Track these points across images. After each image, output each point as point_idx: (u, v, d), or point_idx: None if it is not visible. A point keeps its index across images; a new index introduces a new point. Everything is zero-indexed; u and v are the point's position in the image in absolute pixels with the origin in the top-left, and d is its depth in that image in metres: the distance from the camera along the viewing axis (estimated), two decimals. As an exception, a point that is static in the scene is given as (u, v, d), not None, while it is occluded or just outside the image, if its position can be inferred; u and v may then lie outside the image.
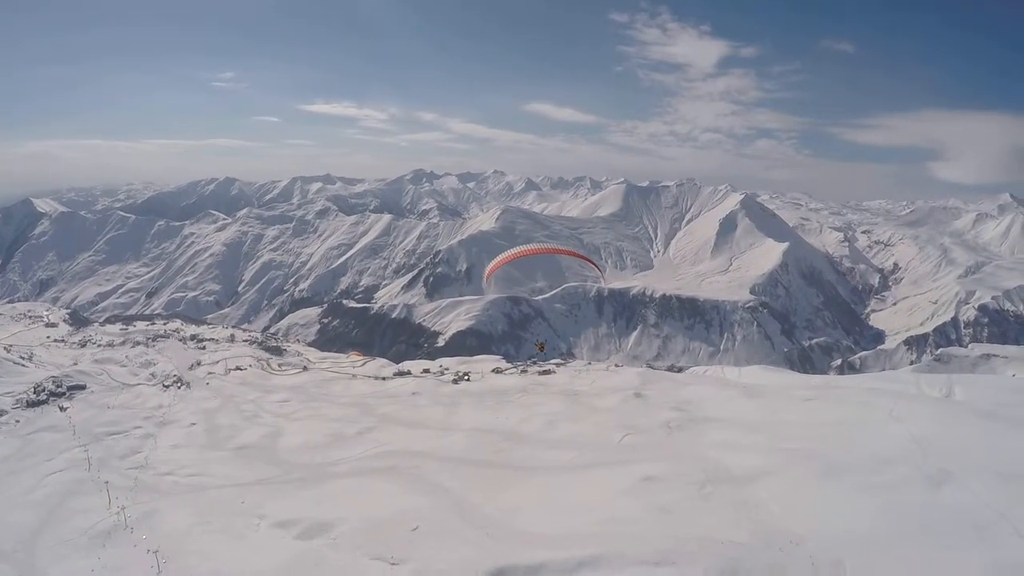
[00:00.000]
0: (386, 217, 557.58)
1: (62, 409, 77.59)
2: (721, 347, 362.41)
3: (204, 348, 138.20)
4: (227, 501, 40.91)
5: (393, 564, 27.88)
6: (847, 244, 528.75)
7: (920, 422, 36.40)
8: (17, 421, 72.76)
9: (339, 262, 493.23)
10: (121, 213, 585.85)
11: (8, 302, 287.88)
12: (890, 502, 26.58)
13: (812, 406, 44.64)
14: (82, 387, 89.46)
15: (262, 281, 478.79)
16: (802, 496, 28.04)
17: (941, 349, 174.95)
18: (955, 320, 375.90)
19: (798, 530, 25.06)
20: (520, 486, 34.17)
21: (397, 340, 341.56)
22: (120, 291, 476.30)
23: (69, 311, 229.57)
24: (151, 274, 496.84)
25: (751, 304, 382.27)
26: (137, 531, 38.09)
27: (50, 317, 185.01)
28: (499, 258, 50.82)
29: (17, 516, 43.62)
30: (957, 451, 31.45)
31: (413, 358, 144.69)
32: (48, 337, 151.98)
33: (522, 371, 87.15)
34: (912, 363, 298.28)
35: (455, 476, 37.35)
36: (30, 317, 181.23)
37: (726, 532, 25.49)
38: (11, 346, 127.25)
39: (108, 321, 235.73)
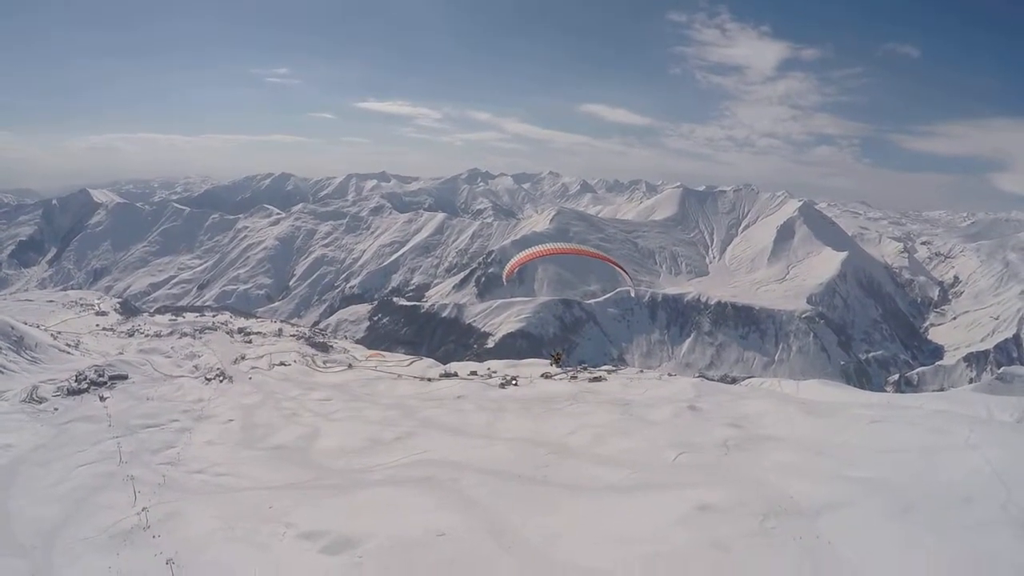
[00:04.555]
0: (440, 216, 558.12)
1: (101, 399, 76.63)
2: (776, 357, 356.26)
3: (251, 342, 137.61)
4: (254, 505, 38.97)
5: (419, 593, 25.60)
6: (906, 255, 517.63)
7: (999, 452, 32.53)
8: (56, 409, 72.11)
9: (391, 259, 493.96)
10: (176, 205, 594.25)
11: (62, 290, 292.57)
12: (974, 547, 23.15)
13: (879, 429, 41.13)
14: (124, 377, 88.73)
15: (313, 276, 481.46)
16: (875, 535, 24.81)
17: (1003, 368, 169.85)
18: (1017, 337, 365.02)
19: (873, 577, 22.05)
20: (563, 508, 31.42)
21: (447, 340, 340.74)
22: (172, 282, 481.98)
23: (120, 300, 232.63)
24: (204, 266, 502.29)
25: (808, 314, 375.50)
26: (157, 533, 36.42)
27: (101, 306, 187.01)
28: (518, 257, 48.76)
29: (41, 510, 42.50)
30: (1044, 488, 28.01)
31: (462, 359, 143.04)
32: (97, 325, 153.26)
33: (572, 377, 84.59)
34: (971, 381, 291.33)
35: (494, 492, 34.79)
36: (81, 305, 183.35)
37: (792, 577, 22.54)
38: (59, 333, 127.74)
39: (158, 312, 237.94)
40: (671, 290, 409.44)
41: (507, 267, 51.60)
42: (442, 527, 30.12)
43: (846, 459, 34.54)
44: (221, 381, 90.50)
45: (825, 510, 27.11)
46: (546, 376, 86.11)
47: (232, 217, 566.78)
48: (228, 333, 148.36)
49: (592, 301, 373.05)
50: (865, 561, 22.95)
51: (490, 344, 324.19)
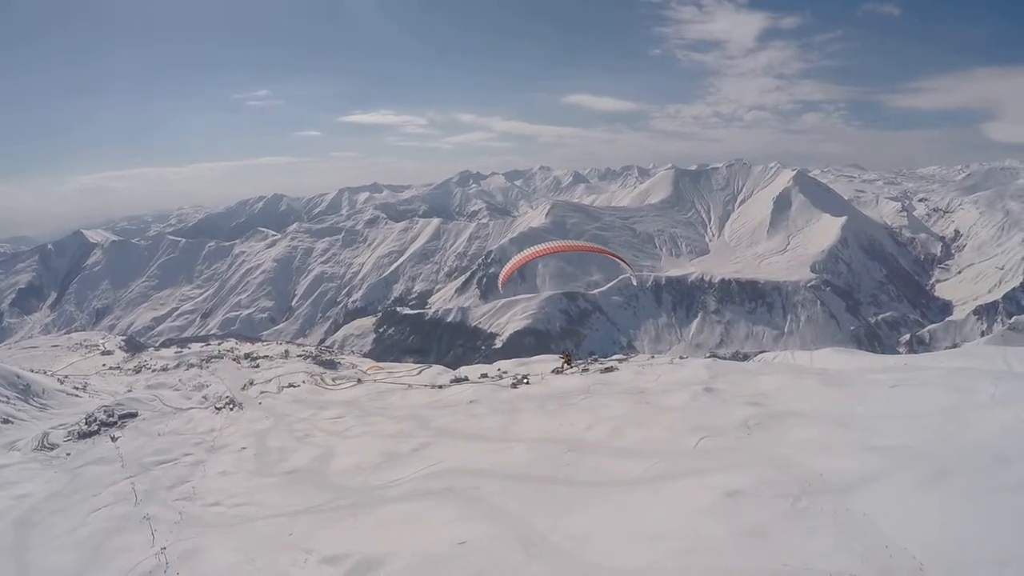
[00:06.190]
0: (435, 221, 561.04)
1: (113, 439, 75.94)
2: (785, 329, 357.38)
3: (258, 366, 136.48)
4: (274, 534, 38.24)
5: (451, 614, 24.83)
6: (905, 214, 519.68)
7: (1028, 406, 31.77)
8: (68, 454, 71.40)
9: (391, 269, 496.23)
10: (171, 237, 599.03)
11: (65, 333, 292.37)
12: (1015, 508, 22.11)
13: (900, 393, 39.89)
14: (134, 415, 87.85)
15: (315, 294, 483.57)
16: (912, 507, 23.44)
17: (1015, 317, 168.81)
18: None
19: (915, 551, 20.55)
20: (588, 506, 30.51)
21: (454, 344, 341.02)
22: (175, 314, 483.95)
23: (125, 338, 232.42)
24: (204, 295, 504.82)
25: (813, 283, 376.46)
26: (177, 572, 35.85)
27: (106, 345, 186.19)
28: (510, 264, 48.29)
29: (59, 558, 42.00)
30: (1079, 442, 26.92)
31: (472, 362, 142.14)
32: (104, 365, 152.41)
33: (583, 370, 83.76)
34: (983, 334, 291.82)
35: (516, 496, 33.87)
36: (86, 346, 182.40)
37: (831, 559, 21.15)
38: (66, 377, 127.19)
39: (163, 345, 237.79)
40: (674, 272, 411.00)
41: (501, 276, 51.23)
42: (467, 539, 29.36)
43: (871, 429, 33.46)
44: (231, 409, 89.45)
45: (857, 484, 26.02)
46: (557, 372, 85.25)
47: (228, 244, 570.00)
48: (235, 360, 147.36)
49: (596, 291, 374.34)
50: (905, 533, 21.86)
51: (498, 344, 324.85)
